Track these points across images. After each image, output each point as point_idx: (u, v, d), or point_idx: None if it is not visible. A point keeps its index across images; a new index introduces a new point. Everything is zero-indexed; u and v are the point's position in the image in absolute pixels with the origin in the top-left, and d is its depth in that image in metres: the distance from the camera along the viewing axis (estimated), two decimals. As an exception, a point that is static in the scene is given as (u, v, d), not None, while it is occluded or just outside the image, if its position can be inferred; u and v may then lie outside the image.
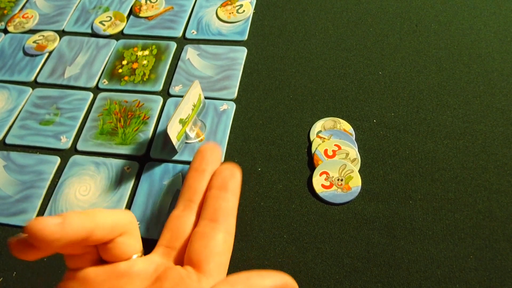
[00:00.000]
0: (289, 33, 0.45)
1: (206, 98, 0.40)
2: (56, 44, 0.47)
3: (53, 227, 0.19)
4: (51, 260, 0.33)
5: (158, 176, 0.36)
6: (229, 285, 0.22)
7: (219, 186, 0.28)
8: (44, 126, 0.41)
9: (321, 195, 0.34)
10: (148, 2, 0.50)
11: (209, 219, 0.26)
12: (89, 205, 0.35)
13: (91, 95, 0.42)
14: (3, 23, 0.51)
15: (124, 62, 0.45)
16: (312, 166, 0.35)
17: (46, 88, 0.44)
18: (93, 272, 0.23)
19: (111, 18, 0.49)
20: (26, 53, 0.47)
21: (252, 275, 0.23)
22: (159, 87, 0.42)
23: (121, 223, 0.23)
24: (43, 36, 0.48)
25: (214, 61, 0.43)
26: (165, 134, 0.38)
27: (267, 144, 0.37)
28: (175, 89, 0.42)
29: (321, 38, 0.45)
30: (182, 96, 0.41)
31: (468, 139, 0.36)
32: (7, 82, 0.45)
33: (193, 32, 0.46)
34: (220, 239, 0.26)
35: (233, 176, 0.29)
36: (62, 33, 0.49)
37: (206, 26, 0.47)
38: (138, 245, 0.25)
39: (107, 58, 0.45)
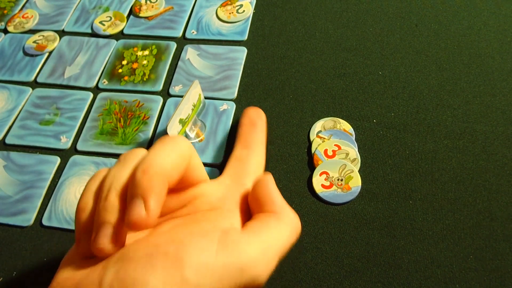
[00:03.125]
0: (289, 33, 0.45)
1: (206, 98, 0.40)
2: (56, 44, 0.47)
3: (144, 221, 0.20)
4: (51, 260, 0.33)
5: (158, 176, 0.36)
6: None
7: (248, 124, 0.32)
8: (44, 126, 0.41)
9: (321, 195, 0.34)
10: (148, 2, 0.50)
11: (243, 146, 0.30)
12: (89, 205, 0.35)
13: (91, 95, 0.42)
14: (3, 23, 0.51)
15: (124, 62, 0.45)
16: (312, 166, 0.35)
17: (46, 88, 0.44)
18: (167, 201, 0.23)
19: (111, 18, 0.49)
20: (26, 53, 0.47)
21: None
22: (159, 87, 0.42)
23: (185, 154, 0.23)
24: (43, 36, 0.48)
25: (214, 61, 0.43)
26: (165, 134, 0.38)
27: (267, 144, 0.37)
28: (175, 89, 0.42)
29: (321, 38, 0.45)
30: (182, 96, 0.41)
31: (468, 139, 0.36)
32: (7, 82, 0.45)
33: (193, 32, 0.46)
34: (253, 162, 0.29)
35: (259, 115, 0.34)
36: (62, 33, 0.49)
37: (206, 26, 0.47)
38: (203, 171, 0.26)
39: (107, 58, 0.45)
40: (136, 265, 0.19)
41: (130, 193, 0.21)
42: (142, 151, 0.23)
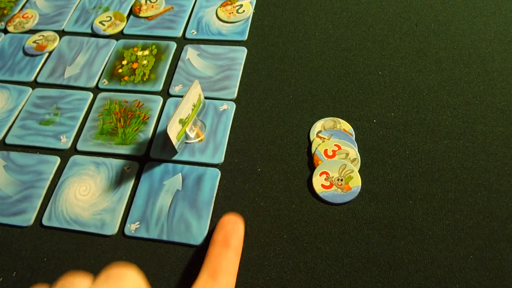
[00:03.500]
0: (289, 33, 0.45)
1: (206, 98, 0.40)
2: (56, 44, 0.47)
3: None
4: (51, 260, 0.33)
5: (158, 176, 0.36)
6: None
7: (220, 243, 0.28)
8: (44, 126, 0.41)
9: (321, 195, 0.34)
10: (148, 2, 0.50)
11: (209, 275, 0.26)
12: (89, 205, 0.35)
13: (91, 95, 0.42)
14: (3, 23, 0.51)
15: (124, 62, 0.45)
16: (312, 166, 0.35)
17: (46, 88, 0.44)
18: None
19: (111, 18, 0.49)
20: (26, 53, 0.47)
21: None
22: (159, 87, 0.42)
23: None
24: (43, 36, 0.48)
25: (214, 61, 0.43)
26: (165, 134, 0.38)
27: (267, 144, 0.37)
28: (175, 89, 0.42)
29: (321, 38, 0.45)
30: (182, 96, 0.41)
31: (468, 139, 0.36)
32: (7, 82, 0.45)
33: (193, 32, 0.46)
34: None
35: (236, 231, 0.29)
36: (62, 33, 0.49)
37: (206, 26, 0.47)
38: None
39: (107, 58, 0.45)
40: None
41: None
42: (82, 283, 0.20)
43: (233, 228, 0.29)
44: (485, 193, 0.33)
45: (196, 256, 0.32)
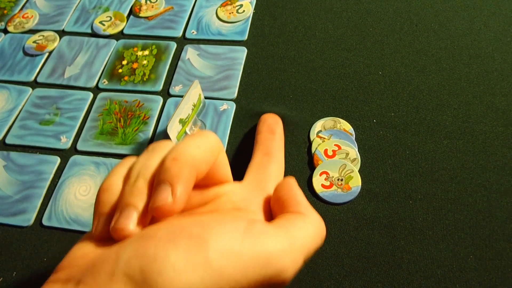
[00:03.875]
0: (289, 33, 0.45)
1: (206, 98, 0.40)
2: (56, 44, 0.47)
3: (170, 206, 0.20)
4: (51, 260, 0.33)
5: (158, 176, 0.36)
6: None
7: (266, 131, 0.33)
8: (44, 126, 0.41)
9: (321, 195, 0.34)
10: (148, 2, 0.50)
11: (263, 154, 0.31)
12: (89, 205, 0.35)
13: (91, 95, 0.42)
14: (3, 23, 0.51)
15: (124, 62, 0.45)
16: (312, 166, 0.35)
17: (46, 88, 0.44)
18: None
19: (111, 18, 0.49)
20: (26, 53, 0.47)
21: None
22: (159, 87, 0.42)
23: (215, 149, 0.23)
24: (43, 36, 0.48)
25: (214, 61, 0.43)
26: (165, 134, 0.38)
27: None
28: (175, 89, 0.42)
29: (321, 38, 0.45)
30: (182, 96, 0.41)
31: (468, 139, 0.36)
32: (7, 82, 0.45)
33: (193, 32, 0.46)
34: (274, 168, 0.30)
35: (277, 122, 0.34)
36: (62, 33, 0.49)
37: (206, 26, 0.47)
38: (229, 170, 0.26)
39: (107, 58, 0.45)
40: (157, 242, 0.18)
41: (158, 179, 0.20)
42: (170, 143, 0.23)
43: (275, 120, 0.34)
44: (485, 193, 0.33)
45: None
